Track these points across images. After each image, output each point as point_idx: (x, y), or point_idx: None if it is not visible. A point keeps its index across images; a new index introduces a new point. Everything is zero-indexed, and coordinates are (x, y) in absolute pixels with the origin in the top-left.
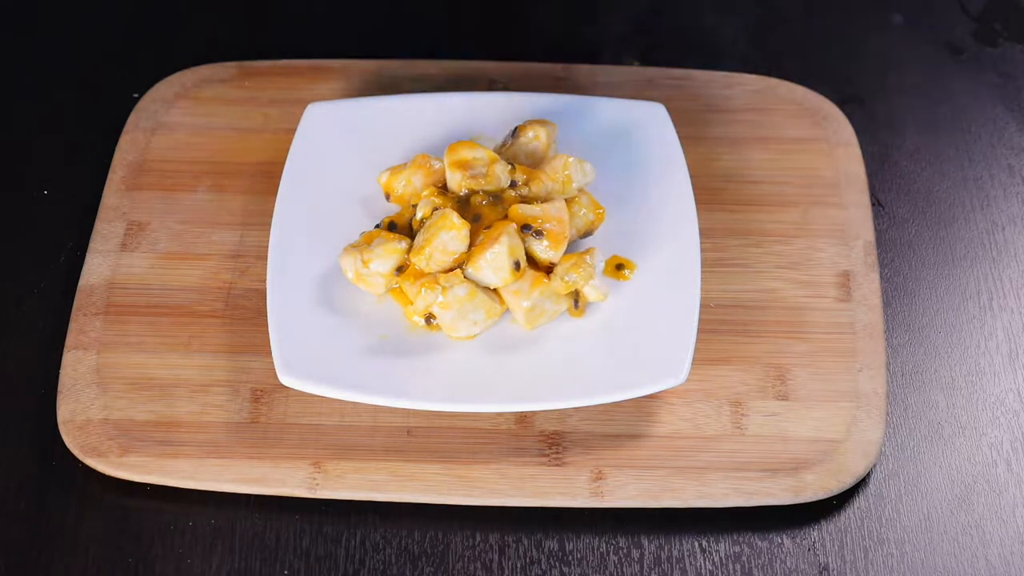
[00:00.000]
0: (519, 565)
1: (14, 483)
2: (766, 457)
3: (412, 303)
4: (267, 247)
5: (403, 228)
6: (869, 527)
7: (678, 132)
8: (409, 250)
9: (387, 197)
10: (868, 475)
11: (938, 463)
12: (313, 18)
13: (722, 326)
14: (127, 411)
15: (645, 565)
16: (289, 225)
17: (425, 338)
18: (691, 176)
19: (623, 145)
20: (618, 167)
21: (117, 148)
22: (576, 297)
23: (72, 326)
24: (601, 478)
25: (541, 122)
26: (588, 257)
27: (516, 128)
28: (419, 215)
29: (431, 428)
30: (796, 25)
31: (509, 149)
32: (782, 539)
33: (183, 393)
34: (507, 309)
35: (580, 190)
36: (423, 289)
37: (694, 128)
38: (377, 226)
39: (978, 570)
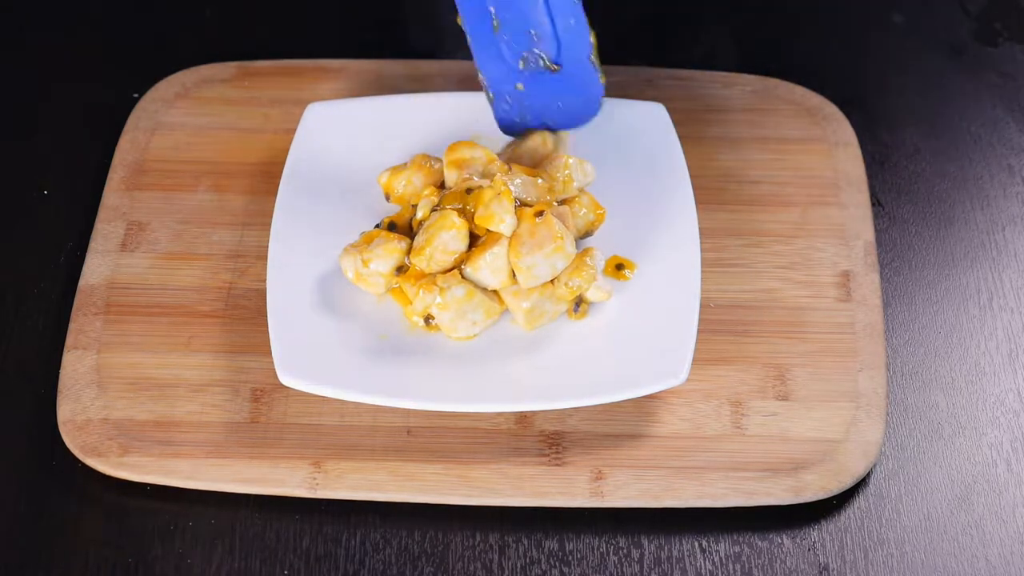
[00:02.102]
0: (519, 565)
1: (14, 483)
2: (766, 457)
3: (412, 303)
4: (267, 247)
5: (403, 228)
6: (869, 527)
7: (678, 132)
8: (409, 250)
9: (387, 197)
10: (868, 475)
11: (938, 463)
12: (313, 18)
13: (722, 326)
14: (127, 411)
15: (645, 565)
16: (289, 225)
17: (425, 338)
18: (691, 176)
19: (623, 145)
20: (618, 167)
21: (117, 148)
22: (579, 301)
23: (72, 326)
24: (601, 478)
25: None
26: (588, 259)
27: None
28: (419, 215)
29: (431, 428)
30: (796, 25)
31: (516, 148)
32: (782, 539)
33: (183, 393)
34: (506, 309)
35: (580, 190)
36: (421, 290)
37: (694, 128)
38: (377, 226)
39: (978, 570)
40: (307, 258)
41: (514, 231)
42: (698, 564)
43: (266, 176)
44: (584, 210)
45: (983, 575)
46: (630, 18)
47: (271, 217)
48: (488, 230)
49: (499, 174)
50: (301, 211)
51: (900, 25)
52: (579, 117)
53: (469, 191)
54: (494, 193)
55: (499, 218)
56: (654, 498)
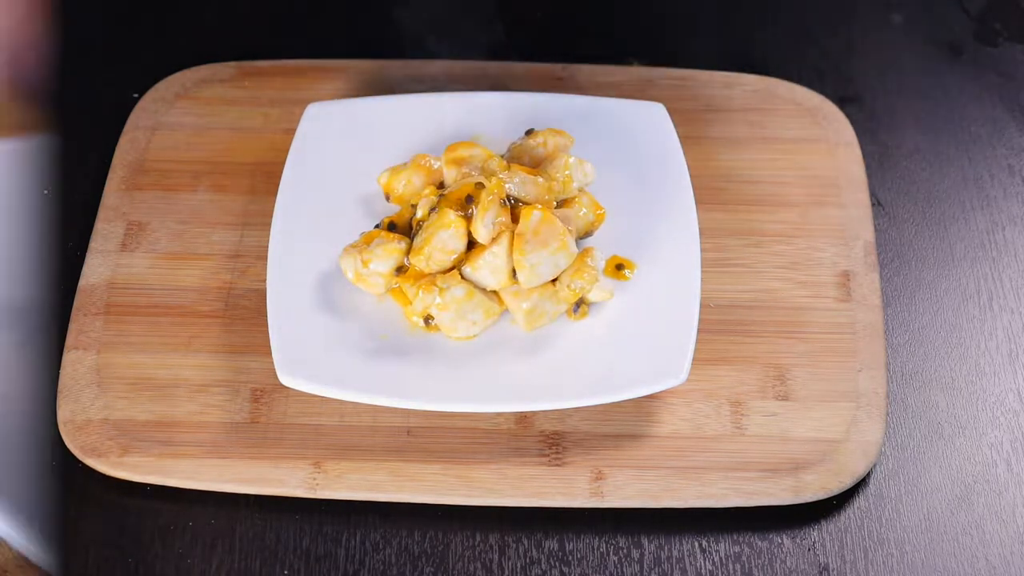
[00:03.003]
0: (519, 565)
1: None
2: (766, 457)
3: (412, 303)
4: (267, 247)
5: (403, 228)
6: (869, 527)
7: (678, 132)
8: (409, 251)
9: (387, 197)
10: (868, 475)
11: (938, 463)
12: (313, 18)
13: (722, 326)
14: (127, 411)
15: (645, 565)
16: (289, 225)
17: (425, 338)
18: (691, 176)
19: (623, 145)
20: (618, 167)
21: (117, 148)
22: (579, 302)
23: (72, 326)
24: (601, 478)
25: (557, 132)
26: (589, 259)
27: (531, 130)
28: (418, 215)
29: (431, 428)
30: (796, 25)
31: (517, 147)
32: (782, 539)
33: (183, 393)
34: (506, 309)
35: (580, 190)
36: (421, 291)
37: (694, 128)
38: (377, 226)
39: (978, 570)
40: (307, 258)
41: (516, 230)
42: (698, 564)
43: (266, 176)
44: (584, 210)
45: (983, 575)
46: (630, 18)
47: (271, 217)
48: None
49: (500, 172)
50: (301, 211)
51: (900, 25)
52: None
53: (469, 199)
54: (487, 195)
55: (483, 223)
56: (654, 498)
